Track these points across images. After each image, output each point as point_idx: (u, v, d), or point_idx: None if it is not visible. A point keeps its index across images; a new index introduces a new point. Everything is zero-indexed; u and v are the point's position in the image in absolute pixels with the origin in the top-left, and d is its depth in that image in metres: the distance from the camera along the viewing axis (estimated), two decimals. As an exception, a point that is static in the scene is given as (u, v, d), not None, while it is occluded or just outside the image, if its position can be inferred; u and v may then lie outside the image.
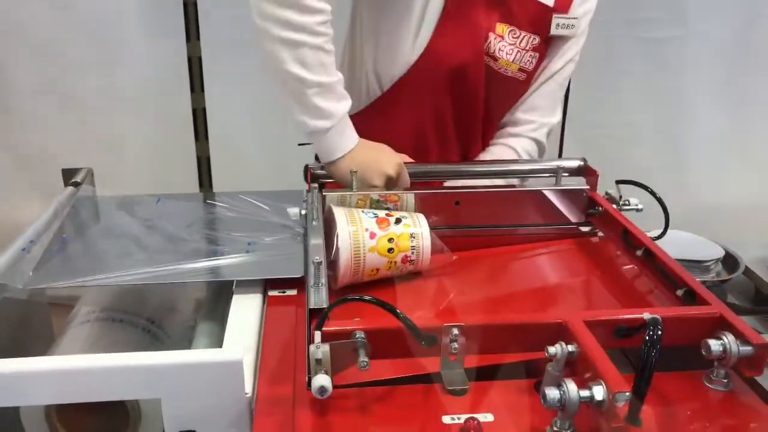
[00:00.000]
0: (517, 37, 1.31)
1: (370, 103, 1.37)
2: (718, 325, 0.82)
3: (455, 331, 0.79)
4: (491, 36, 1.30)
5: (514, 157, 1.40)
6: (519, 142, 1.41)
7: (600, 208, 1.20)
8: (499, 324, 0.83)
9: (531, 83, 1.38)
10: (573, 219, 1.23)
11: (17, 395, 0.81)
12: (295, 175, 1.29)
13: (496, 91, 1.36)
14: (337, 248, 1.02)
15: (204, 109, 2.46)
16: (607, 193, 1.21)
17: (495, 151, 1.42)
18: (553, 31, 1.32)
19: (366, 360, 0.75)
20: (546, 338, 0.77)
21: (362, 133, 1.22)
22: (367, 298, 0.81)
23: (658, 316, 0.76)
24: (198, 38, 2.37)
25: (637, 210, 1.17)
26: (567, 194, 1.22)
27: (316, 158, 1.25)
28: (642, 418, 0.71)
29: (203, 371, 0.79)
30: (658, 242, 1.06)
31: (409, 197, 1.16)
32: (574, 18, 1.33)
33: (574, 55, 1.39)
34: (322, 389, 0.73)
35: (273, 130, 2.26)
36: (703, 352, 0.80)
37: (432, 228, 1.08)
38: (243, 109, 2.43)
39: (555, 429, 0.71)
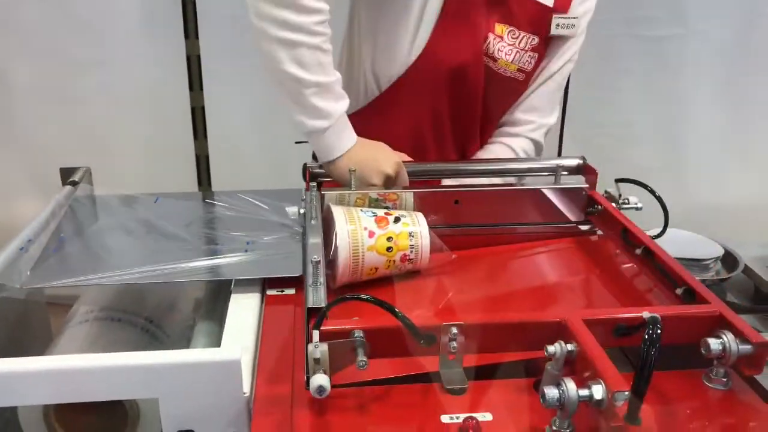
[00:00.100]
0: (516, 38, 1.30)
1: (368, 103, 1.36)
2: (717, 324, 0.82)
3: (454, 330, 0.79)
4: (490, 36, 1.30)
5: (512, 156, 1.39)
6: (517, 141, 1.41)
7: (599, 207, 1.19)
8: (498, 323, 0.83)
9: (530, 83, 1.38)
10: (572, 218, 1.23)
11: (15, 395, 0.80)
12: (294, 174, 1.28)
13: (495, 92, 1.36)
14: (336, 247, 1.02)
15: (203, 108, 2.46)
16: (606, 192, 1.21)
17: (493, 150, 1.42)
18: (553, 31, 1.32)
19: (364, 359, 0.75)
20: (545, 337, 0.77)
21: (360, 132, 1.21)
22: (365, 297, 0.80)
23: (658, 315, 0.76)
24: (197, 37, 2.37)
25: (637, 209, 1.17)
26: (566, 193, 1.22)
27: (314, 157, 1.24)
28: (641, 417, 0.71)
29: (201, 371, 0.79)
30: (657, 241, 1.06)
31: (408, 196, 1.16)
32: (573, 18, 1.32)
33: (573, 55, 1.39)
34: (321, 389, 0.73)
35: (272, 129, 2.25)
36: (703, 351, 0.79)
37: (431, 227, 1.08)
38: (242, 108, 2.42)
39: (554, 428, 0.71)
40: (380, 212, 1.08)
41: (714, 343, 0.78)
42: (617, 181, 1.20)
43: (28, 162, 2.42)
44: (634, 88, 2.51)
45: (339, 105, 1.17)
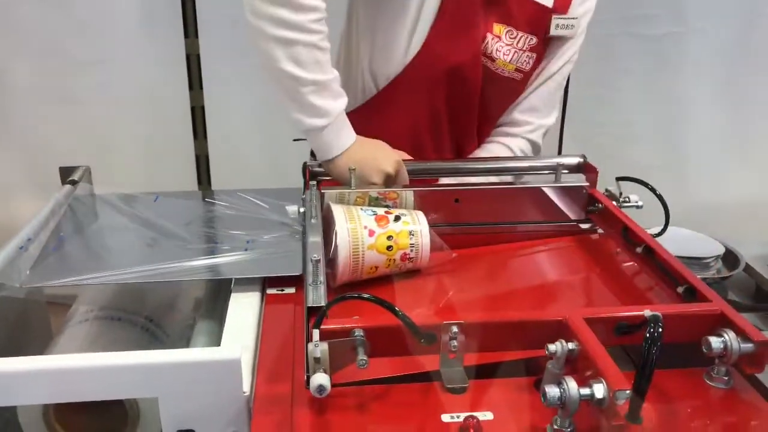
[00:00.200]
0: (515, 38, 1.30)
1: (366, 101, 1.36)
2: (718, 322, 0.82)
3: (454, 328, 0.79)
4: (488, 36, 1.29)
5: (510, 155, 1.39)
6: (515, 141, 1.41)
7: (600, 205, 1.19)
8: (499, 321, 0.83)
9: (528, 83, 1.38)
10: (573, 216, 1.23)
11: (15, 394, 0.80)
12: (294, 173, 1.28)
13: (493, 91, 1.36)
14: (336, 246, 1.01)
15: (203, 107, 2.46)
16: (607, 190, 1.21)
17: (491, 149, 1.42)
18: (553, 31, 1.32)
19: (365, 358, 0.75)
20: (546, 336, 0.77)
21: (357, 131, 1.21)
22: (365, 296, 0.80)
23: (659, 313, 0.76)
24: (196, 36, 2.37)
25: (637, 207, 1.17)
26: (567, 191, 1.22)
27: (312, 155, 1.24)
28: (643, 415, 0.71)
29: (201, 370, 0.79)
30: (658, 239, 1.06)
31: (408, 195, 1.16)
32: (573, 18, 1.32)
33: (572, 56, 1.38)
34: (321, 388, 0.73)
35: (272, 128, 2.24)
36: (704, 350, 0.79)
37: (431, 225, 1.08)
38: (242, 107, 2.42)
39: (555, 427, 0.71)
40: (380, 211, 1.08)
41: (715, 342, 0.78)
42: (618, 179, 1.20)
43: (28, 161, 2.42)
44: (633, 87, 2.51)
45: (337, 103, 1.16)
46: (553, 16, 1.31)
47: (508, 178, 1.32)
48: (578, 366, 0.74)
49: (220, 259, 1.08)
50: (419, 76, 1.31)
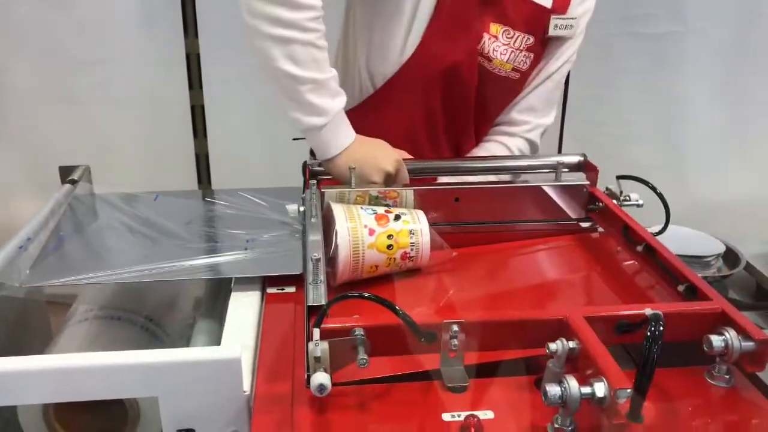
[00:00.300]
0: (511, 37, 1.30)
1: (363, 100, 1.36)
2: (719, 321, 0.82)
3: (455, 327, 0.79)
4: (485, 36, 1.29)
5: (510, 154, 1.39)
6: (513, 141, 1.42)
7: (600, 204, 1.19)
8: (500, 320, 0.83)
9: (526, 83, 1.38)
10: (573, 215, 1.22)
11: (14, 394, 0.80)
12: (294, 172, 1.28)
13: (490, 91, 1.36)
14: (336, 245, 1.01)
15: (202, 107, 2.46)
16: (607, 189, 1.21)
17: (488, 148, 1.42)
18: (552, 32, 1.32)
19: (365, 357, 0.75)
20: (546, 335, 0.77)
21: (355, 130, 1.21)
22: (366, 294, 0.80)
23: (660, 312, 0.76)
24: (196, 35, 2.37)
25: (638, 205, 1.17)
26: (567, 190, 1.21)
27: (312, 154, 1.24)
28: (644, 414, 0.71)
29: (201, 369, 0.78)
30: (658, 238, 1.06)
31: (409, 194, 1.16)
32: (572, 18, 1.32)
33: (571, 56, 1.38)
34: (321, 387, 0.72)
35: (272, 127, 2.24)
36: (705, 348, 0.79)
37: (431, 224, 1.08)
38: (242, 107, 2.42)
39: (556, 426, 0.71)
40: (380, 210, 1.07)
41: (716, 340, 0.78)
42: (618, 177, 1.19)
43: (28, 161, 2.41)
44: (633, 87, 2.50)
45: (335, 102, 1.16)
46: (552, 17, 1.30)
47: (508, 177, 1.32)
48: (579, 365, 0.74)
49: (220, 259, 1.08)
50: (415, 75, 1.31)
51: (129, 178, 2.32)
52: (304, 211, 1.11)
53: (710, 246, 1.32)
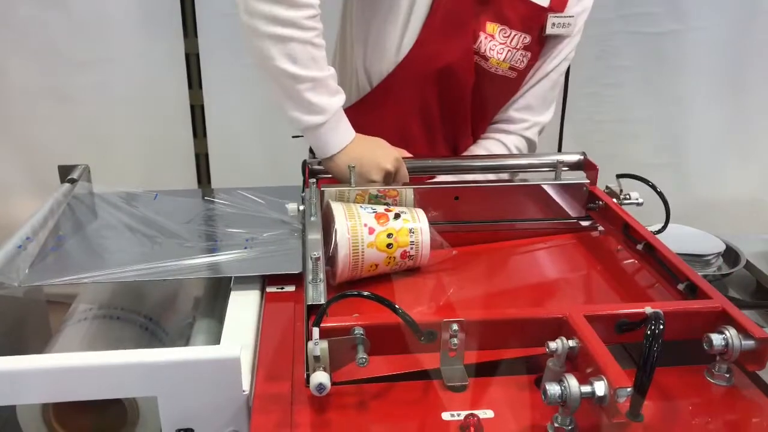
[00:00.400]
0: (508, 36, 1.30)
1: (360, 98, 1.36)
2: (720, 319, 0.82)
3: (455, 326, 0.78)
4: (481, 36, 1.29)
5: (505, 152, 1.39)
6: (510, 139, 1.42)
7: (600, 203, 1.19)
8: (499, 319, 0.83)
9: (523, 81, 1.38)
10: (573, 213, 1.22)
11: (14, 394, 0.80)
12: (293, 171, 1.28)
13: (487, 90, 1.36)
14: (336, 244, 1.01)
15: (202, 106, 2.46)
16: (607, 187, 1.21)
17: (486, 146, 1.42)
18: (549, 30, 1.31)
19: (365, 356, 0.75)
20: (546, 333, 0.77)
21: (353, 127, 1.21)
22: (365, 293, 0.80)
23: (660, 311, 0.76)
24: (195, 35, 2.36)
25: (638, 204, 1.17)
26: (567, 189, 1.21)
27: (312, 153, 1.24)
28: (644, 413, 0.71)
29: (201, 369, 0.78)
30: (658, 236, 1.06)
31: (408, 192, 1.15)
32: (570, 17, 1.32)
33: (568, 54, 1.38)
34: (321, 386, 0.72)
35: (271, 126, 2.25)
36: (705, 347, 0.79)
37: (431, 223, 1.08)
38: (241, 106, 2.42)
39: (556, 425, 0.71)
40: (380, 209, 1.07)
41: (717, 339, 0.78)
42: (618, 176, 1.19)
43: (27, 160, 2.41)
44: (633, 85, 2.50)
45: (334, 100, 1.16)
46: (549, 15, 1.30)
47: (501, 176, 1.32)
48: (579, 363, 0.74)
49: (220, 258, 1.07)
50: (411, 74, 1.31)
51: (128, 178, 2.32)
52: (304, 209, 1.11)
53: (710, 244, 1.31)
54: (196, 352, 0.83)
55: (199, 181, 2.55)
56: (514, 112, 1.41)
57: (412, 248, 1.05)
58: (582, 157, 1.25)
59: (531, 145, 1.43)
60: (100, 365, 0.78)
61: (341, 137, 1.17)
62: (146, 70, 2.38)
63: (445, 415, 0.75)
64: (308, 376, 0.74)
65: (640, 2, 2.39)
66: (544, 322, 0.81)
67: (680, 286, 0.93)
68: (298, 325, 0.91)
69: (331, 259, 1.03)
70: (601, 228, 1.20)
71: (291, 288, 1.02)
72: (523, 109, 1.40)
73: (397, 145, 1.25)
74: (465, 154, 1.43)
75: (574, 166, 1.25)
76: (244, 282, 1.03)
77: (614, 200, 1.18)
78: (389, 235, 1.03)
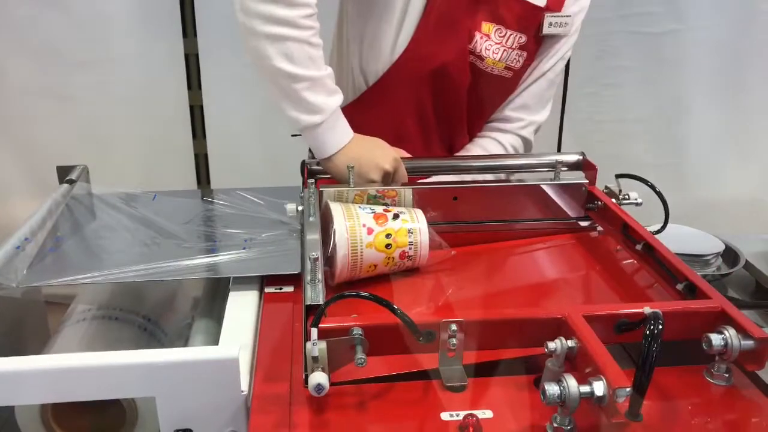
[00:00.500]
0: (504, 36, 1.30)
1: (357, 98, 1.36)
2: (719, 319, 0.82)
3: (453, 326, 0.78)
4: (477, 35, 1.29)
5: (501, 151, 1.40)
6: (506, 137, 1.42)
7: (599, 203, 1.19)
8: (498, 319, 0.83)
9: (519, 80, 1.38)
10: (572, 213, 1.22)
11: (12, 394, 0.80)
12: (292, 172, 1.28)
13: (483, 90, 1.36)
14: (334, 244, 1.01)
15: (201, 107, 2.46)
16: (606, 188, 1.21)
17: (482, 144, 1.42)
18: (546, 30, 1.31)
19: (363, 357, 0.75)
20: (545, 333, 0.77)
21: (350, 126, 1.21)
22: (364, 294, 0.80)
23: (659, 311, 0.75)
24: (195, 35, 2.36)
25: (637, 204, 1.17)
26: (566, 189, 1.21)
27: (311, 153, 1.24)
28: (643, 413, 0.71)
29: (199, 369, 0.78)
30: (658, 236, 1.06)
31: (407, 192, 1.15)
32: (567, 16, 1.32)
33: (565, 53, 1.38)
34: (319, 387, 0.72)
35: (270, 126, 2.25)
36: (705, 347, 0.79)
37: (430, 223, 1.07)
38: (240, 106, 2.42)
39: (555, 425, 0.71)
40: (379, 209, 1.07)
41: (716, 339, 0.78)
42: (617, 176, 1.19)
43: (26, 160, 2.41)
44: (632, 85, 2.50)
45: (331, 100, 1.16)
46: (546, 15, 1.30)
47: (499, 176, 1.32)
48: (578, 363, 0.74)
49: (219, 258, 1.07)
50: (405, 74, 1.31)
51: (128, 178, 2.32)
52: (303, 210, 1.11)
53: (709, 244, 1.31)
54: (195, 352, 0.82)
55: (199, 182, 2.55)
56: (510, 111, 1.41)
57: (410, 248, 1.05)
58: (581, 157, 1.25)
59: (527, 144, 1.43)
60: (99, 366, 0.78)
61: (339, 137, 1.17)
62: (146, 71, 2.38)
63: (444, 416, 0.74)
64: (307, 377, 0.74)
65: (639, 2, 2.40)
66: (543, 322, 0.81)
67: (679, 286, 0.93)
68: (297, 325, 0.91)
69: (329, 260, 1.03)
70: (600, 228, 1.20)
71: (290, 288, 1.02)
72: (520, 108, 1.41)
73: (393, 144, 1.24)
74: (461, 152, 1.43)
75: (573, 166, 1.25)
76: (243, 282, 1.03)
77: (613, 200, 1.17)
78: (388, 236, 1.03)
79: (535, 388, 0.78)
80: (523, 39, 1.31)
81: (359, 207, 1.07)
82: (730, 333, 0.78)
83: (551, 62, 1.37)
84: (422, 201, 1.15)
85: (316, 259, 0.90)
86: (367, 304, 0.79)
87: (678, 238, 1.16)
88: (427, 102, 1.35)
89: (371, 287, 1.01)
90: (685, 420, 0.76)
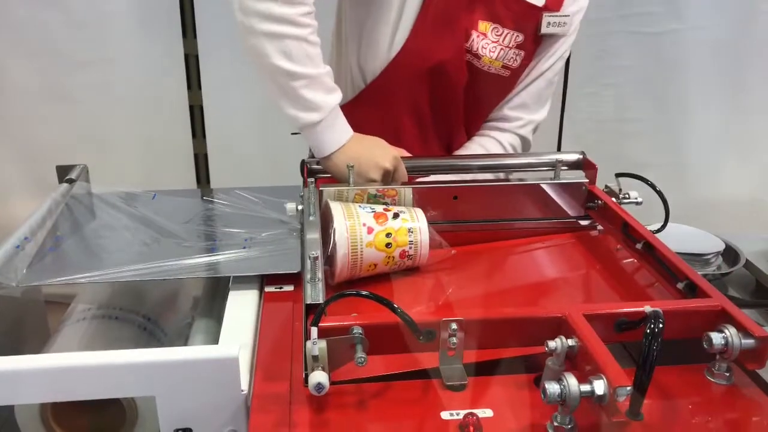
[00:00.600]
0: (500, 35, 1.30)
1: (355, 96, 1.36)
2: (719, 318, 0.82)
3: (454, 325, 0.78)
4: (473, 34, 1.29)
5: (500, 150, 1.40)
6: (504, 136, 1.42)
7: (599, 202, 1.19)
8: (498, 318, 0.83)
9: (517, 80, 1.38)
10: (572, 213, 1.22)
11: (12, 394, 0.80)
12: (292, 171, 1.28)
13: (480, 88, 1.36)
14: (334, 243, 1.01)
15: (201, 107, 2.46)
16: (606, 187, 1.21)
17: (481, 142, 1.42)
18: (544, 29, 1.31)
19: (363, 356, 0.75)
20: (546, 332, 0.77)
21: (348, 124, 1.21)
22: (364, 293, 0.80)
23: (659, 310, 0.75)
24: (195, 35, 2.36)
25: (637, 203, 1.17)
26: (566, 188, 1.21)
27: (311, 153, 1.24)
28: (643, 412, 0.71)
29: (199, 368, 0.78)
30: (658, 235, 1.06)
31: (407, 192, 1.15)
32: (565, 16, 1.32)
33: (563, 53, 1.38)
34: (319, 386, 0.72)
35: (270, 126, 2.25)
36: (705, 346, 0.79)
37: (430, 223, 1.08)
38: (240, 106, 2.42)
39: (555, 424, 0.71)
40: (379, 208, 1.07)
41: (716, 338, 0.78)
42: (617, 175, 1.19)
43: (25, 160, 2.41)
44: (632, 84, 2.50)
45: (330, 98, 1.16)
46: (545, 14, 1.30)
47: (498, 175, 1.32)
48: (578, 362, 0.74)
49: (219, 257, 1.07)
50: (402, 72, 1.31)
51: (127, 178, 2.32)
52: (303, 209, 1.11)
53: (710, 243, 1.31)
54: (195, 351, 0.83)
55: (198, 181, 2.55)
56: (508, 110, 1.41)
57: (410, 248, 1.05)
58: (581, 157, 1.24)
59: (525, 143, 1.43)
60: (99, 365, 0.78)
61: (338, 136, 1.17)
62: (145, 71, 2.38)
63: (445, 415, 0.74)
64: (307, 376, 0.74)
65: (639, 2, 2.39)
66: (544, 321, 0.81)
67: (680, 285, 0.93)
68: (297, 324, 0.91)
69: (329, 259, 1.02)
70: (600, 227, 1.20)
71: (290, 287, 1.02)
72: (518, 107, 1.41)
73: (391, 142, 1.24)
74: (460, 151, 1.43)
75: (573, 166, 1.25)
76: (243, 282, 1.03)
77: (613, 199, 1.17)
78: (388, 235, 1.03)
79: (536, 387, 0.78)
80: (521, 38, 1.31)
81: (359, 206, 1.07)
82: (731, 332, 0.78)
83: (550, 62, 1.37)
84: (422, 200, 1.15)
85: (316, 258, 0.90)
86: (367, 303, 0.79)
87: (678, 237, 1.16)
88: (425, 100, 1.35)
89: (371, 286, 1.01)
90: (685, 419, 0.76)
